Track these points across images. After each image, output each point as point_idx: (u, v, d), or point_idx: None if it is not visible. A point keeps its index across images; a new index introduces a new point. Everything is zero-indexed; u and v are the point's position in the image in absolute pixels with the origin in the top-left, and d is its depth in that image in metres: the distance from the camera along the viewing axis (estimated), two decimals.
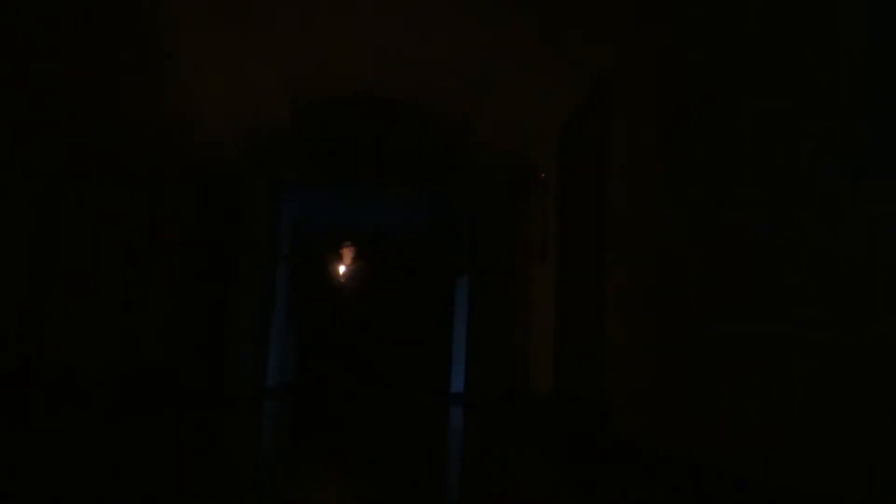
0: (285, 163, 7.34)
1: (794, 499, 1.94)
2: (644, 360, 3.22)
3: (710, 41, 2.70)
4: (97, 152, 6.30)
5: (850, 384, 1.78)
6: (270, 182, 7.50)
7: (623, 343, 3.51)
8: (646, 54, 3.38)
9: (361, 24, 4.51)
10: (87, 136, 6.00)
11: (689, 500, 2.48)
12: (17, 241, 6.20)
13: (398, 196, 8.85)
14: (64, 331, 6.21)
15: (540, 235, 5.53)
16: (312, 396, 8.72)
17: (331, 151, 7.15)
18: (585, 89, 4.39)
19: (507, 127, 5.97)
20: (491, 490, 2.76)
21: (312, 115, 6.10)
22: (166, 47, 4.49)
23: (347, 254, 6.52)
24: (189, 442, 3.92)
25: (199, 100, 5.34)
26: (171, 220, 6.55)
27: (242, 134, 6.27)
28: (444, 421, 6.49)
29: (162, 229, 6.52)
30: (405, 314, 10.58)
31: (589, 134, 4.39)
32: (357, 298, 6.65)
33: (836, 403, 1.84)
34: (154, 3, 4.04)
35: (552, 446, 4.20)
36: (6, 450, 3.28)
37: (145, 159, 6.45)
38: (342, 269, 6.34)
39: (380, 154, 7.23)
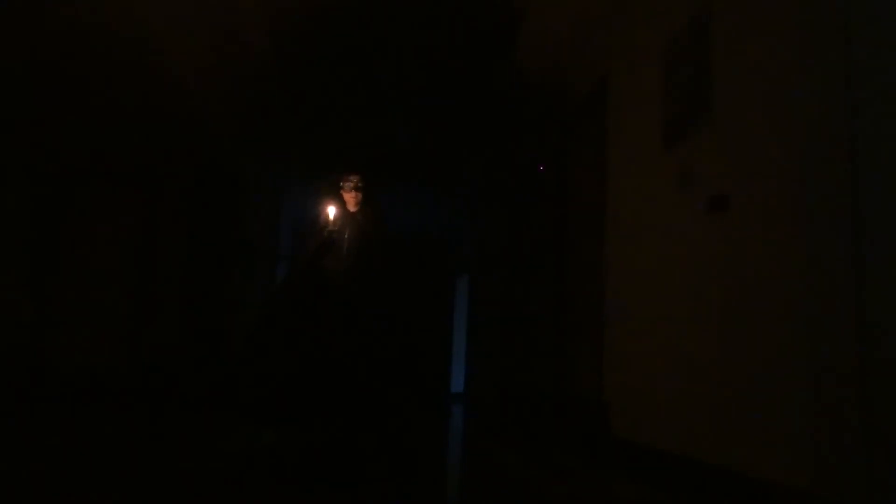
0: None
1: (794, 499, 1.94)
2: (645, 359, 3.21)
3: (705, 42, 2.70)
4: (96, 151, 6.30)
5: (851, 385, 1.78)
6: (270, 181, 7.50)
7: (624, 342, 3.51)
8: (646, 54, 3.37)
9: None
10: (87, 135, 6.00)
11: (690, 500, 2.47)
12: (18, 242, 6.20)
13: (400, 195, 8.85)
14: (64, 331, 6.20)
15: (539, 235, 5.53)
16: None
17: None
18: (585, 90, 4.39)
19: (509, 121, 5.97)
20: (491, 490, 2.76)
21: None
22: None
23: (350, 198, 4.13)
24: (187, 444, 3.91)
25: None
26: (171, 219, 6.54)
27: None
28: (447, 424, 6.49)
29: (162, 229, 6.51)
30: (405, 313, 10.57)
31: (589, 132, 4.39)
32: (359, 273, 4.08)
33: (836, 404, 1.83)
34: None
35: (552, 446, 4.20)
36: (7, 450, 3.27)
37: (144, 158, 6.45)
38: (332, 213, 4.04)
39: (382, 149, 7.17)
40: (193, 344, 6.31)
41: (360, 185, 4.13)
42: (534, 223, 5.85)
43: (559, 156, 5.09)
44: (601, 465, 3.36)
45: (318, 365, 3.69)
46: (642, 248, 3.32)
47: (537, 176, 5.76)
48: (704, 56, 2.71)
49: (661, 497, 2.58)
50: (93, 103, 5.42)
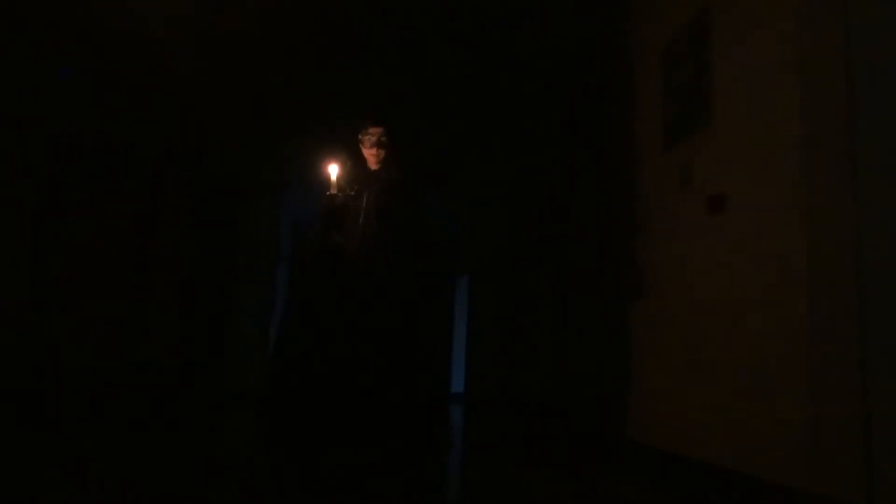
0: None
1: (794, 499, 1.94)
2: (645, 359, 3.21)
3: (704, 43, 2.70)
4: (96, 151, 6.30)
5: (851, 384, 1.78)
6: (270, 180, 7.50)
7: (627, 343, 3.51)
8: (646, 54, 3.37)
9: None
10: (87, 135, 6.00)
11: (690, 500, 2.47)
12: (18, 242, 6.20)
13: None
14: (64, 331, 6.21)
15: (540, 235, 5.53)
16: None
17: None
18: (586, 88, 4.39)
19: (509, 120, 5.95)
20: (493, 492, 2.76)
21: None
22: None
23: (371, 155, 3.21)
24: (187, 445, 3.92)
25: None
26: (171, 219, 6.55)
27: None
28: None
29: (162, 229, 6.52)
30: (406, 314, 10.54)
31: (589, 132, 4.39)
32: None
33: (836, 403, 1.83)
34: None
35: (553, 446, 4.20)
36: (8, 450, 3.28)
37: (144, 158, 6.46)
38: (335, 172, 3.10)
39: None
40: (193, 344, 6.31)
41: (383, 139, 3.22)
42: (534, 223, 5.85)
43: (560, 155, 5.09)
44: (602, 466, 3.36)
45: (336, 383, 2.88)
46: (645, 249, 3.32)
47: (538, 176, 5.76)
48: (704, 56, 2.71)
49: (661, 497, 2.58)
50: (92, 103, 5.42)
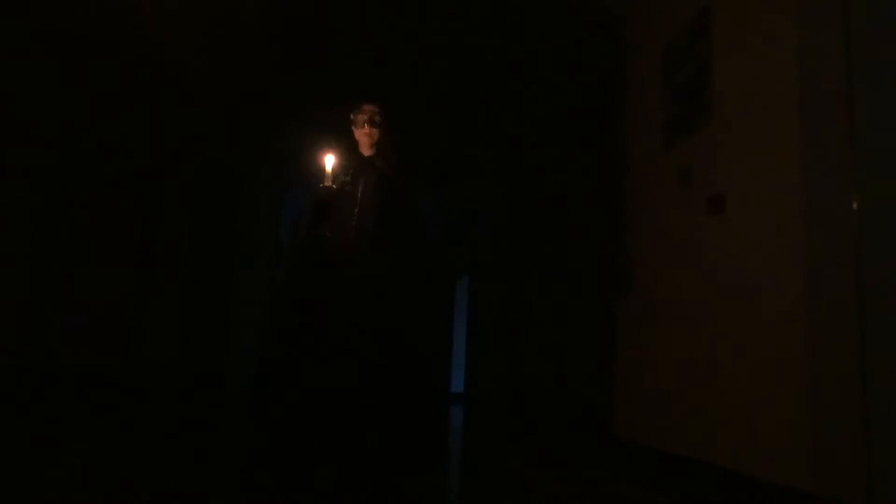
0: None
1: (794, 499, 1.94)
2: (646, 359, 3.21)
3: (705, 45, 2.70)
4: (96, 150, 6.30)
5: (852, 385, 1.78)
6: (271, 179, 7.50)
7: (625, 342, 3.51)
8: (645, 54, 3.37)
9: None
10: (86, 134, 6.00)
11: (690, 500, 2.47)
12: (18, 241, 6.20)
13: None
14: (65, 331, 6.20)
15: (540, 235, 5.52)
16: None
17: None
18: (586, 88, 4.39)
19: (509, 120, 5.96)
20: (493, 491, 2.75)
21: None
22: None
23: (364, 136, 2.97)
24: (187, 445, 3.92)
25: None
26: (172, 218, 6.55)
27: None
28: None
29: (162, 228, 6.52)
30: (405, 314, 10.53)
31: (589, 133, 4.39)
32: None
33: (836, 404, 1.83)
34: None
35: (553, 447, 4.20)
36: (8, 450, 3.28)
37: (144, 157, 6.46)
38: (330, 162, 2.84)
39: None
40: (193, 344, 6.31)
41: (376, 117, 2.95)
42: (534, 223, 5.84)
43: (559, 155, 5.08)
44: (602, 466, 3.36)
45: (328, 385, 2.71)
46: (644, 249, 3.32)
47: (538, 175, 5.75)
48: (704, 56, 2.71)
49: (661, 497, 2.58)
50: (92, 103, 5.42)
